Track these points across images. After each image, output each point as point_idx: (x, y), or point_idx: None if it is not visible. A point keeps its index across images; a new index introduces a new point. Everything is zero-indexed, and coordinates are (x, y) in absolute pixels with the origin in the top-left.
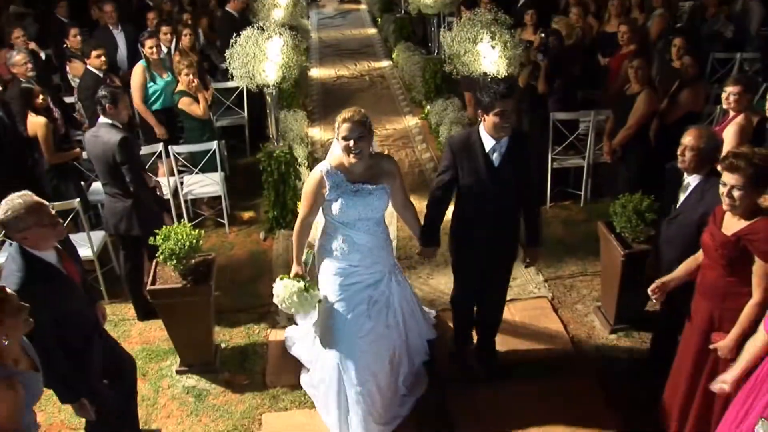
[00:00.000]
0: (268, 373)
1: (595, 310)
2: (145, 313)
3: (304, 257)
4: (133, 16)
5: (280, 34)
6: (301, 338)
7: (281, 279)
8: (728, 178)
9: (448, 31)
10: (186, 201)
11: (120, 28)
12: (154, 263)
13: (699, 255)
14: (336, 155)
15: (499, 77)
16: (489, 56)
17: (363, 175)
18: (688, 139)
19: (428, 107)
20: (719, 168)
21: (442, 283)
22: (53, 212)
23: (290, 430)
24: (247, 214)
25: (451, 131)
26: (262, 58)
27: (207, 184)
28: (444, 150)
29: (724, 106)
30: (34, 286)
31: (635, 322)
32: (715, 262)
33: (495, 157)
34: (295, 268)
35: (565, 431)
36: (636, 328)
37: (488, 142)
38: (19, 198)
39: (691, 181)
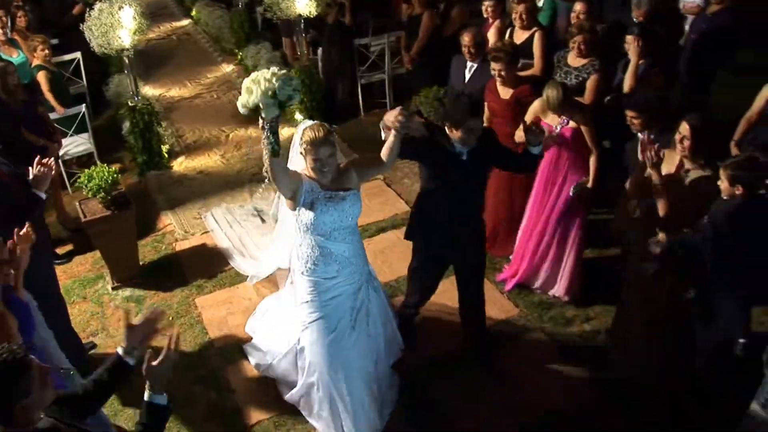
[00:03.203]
0: (186, 271)
1: (419, 178)
2: None
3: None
4: None
5: (130, 4)
6: (270, 356)
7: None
8: (495, 66)
9: None
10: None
11: None
12: (77, 203)
13: None
14: (300, 167)
15: (465, 93)
16: (301, 0)
17: (332, 184)
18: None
19: (241, 54)
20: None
21: None
22: None
23: (220, 305)
24: (115, 166)
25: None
26: (117, 26)
27: (79, 144)
28: (418, 129)
29: (485, 15)
30: None
31: None
32: (503, 119)
33: (462, 153)
34: None
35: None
36: None
37: (456, 143)
38: None
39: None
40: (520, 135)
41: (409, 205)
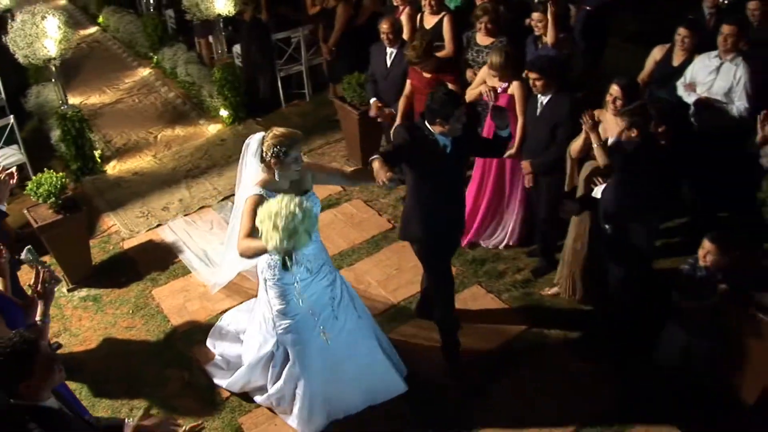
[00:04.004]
0: (138, 267)
1: (347, 161)
2: None
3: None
4: None
5: (53, 14)
6: (236, 370)
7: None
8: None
9: None
10: None
11: None
12: (26, 211)
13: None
14: (259, 178)
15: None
16: (220, 0)
17: (292, 188)
18: None
19: (157, 57)
20: None
21: None
22: None
23: (176, 293)
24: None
25: (187, 69)
26: (42, 36)
27: (9, 156)
28: (396, 132)
29: (395, 3)
30: None
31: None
32: (425, 96)
33: (447, 146)
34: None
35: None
36: None
37: (440, 138)
38: None
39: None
40: (472, 93)
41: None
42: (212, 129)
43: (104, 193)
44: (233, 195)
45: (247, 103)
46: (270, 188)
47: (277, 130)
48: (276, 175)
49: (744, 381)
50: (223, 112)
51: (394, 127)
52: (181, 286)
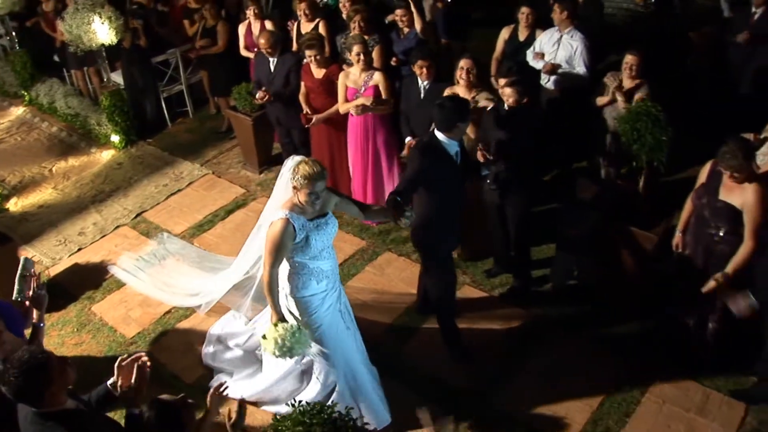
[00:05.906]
0: (71, 290)
1: (243, 165)
2: None
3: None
4: None
5: None
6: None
7: (273, 325)
8: (309, 52)
9: (61, 20)
10: None
11: None
12: None
13: None
14: (287, 200)
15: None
16: (102, 31)
17: (315, 211)
18: None
19: (29, 94)
20: None
21: None
22: None
23: (117, 305)
24: None
25: (67, 102)
26: None
27: None
28: (413, 157)
29: (251, 19)
30: None
31: (271, 161)
32: (318, 94)
33: (458, 152)
34: (275, 317)
35: None
36: (274, 164)
37: (450, 147)
38: None
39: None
40: (345, 107)
41: (242, 188)
42: (106, 155)
43: (14, 229)
44: (145, 211)
45: (137, 127)
46: (295, 212)
47: (310, 165)
48: (298, 200)
49: (622, 281)
50: (115, 138)
51: (410, 152)
52: (119, 298)
